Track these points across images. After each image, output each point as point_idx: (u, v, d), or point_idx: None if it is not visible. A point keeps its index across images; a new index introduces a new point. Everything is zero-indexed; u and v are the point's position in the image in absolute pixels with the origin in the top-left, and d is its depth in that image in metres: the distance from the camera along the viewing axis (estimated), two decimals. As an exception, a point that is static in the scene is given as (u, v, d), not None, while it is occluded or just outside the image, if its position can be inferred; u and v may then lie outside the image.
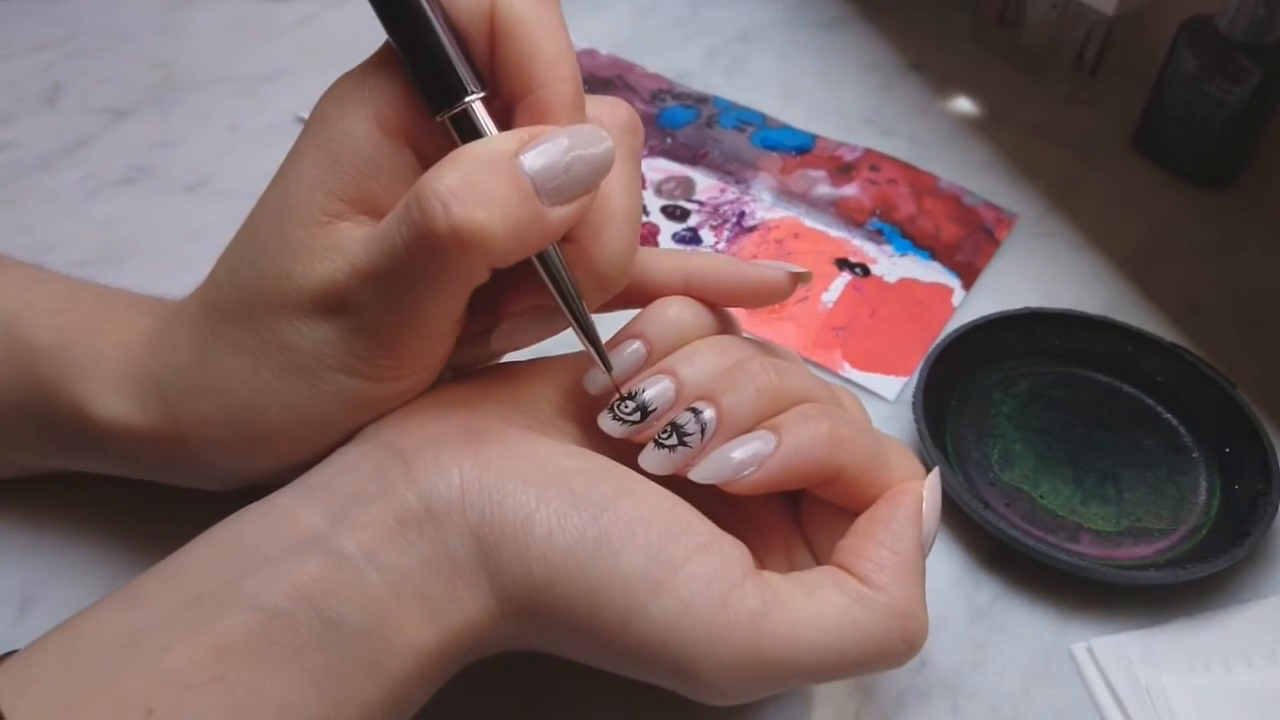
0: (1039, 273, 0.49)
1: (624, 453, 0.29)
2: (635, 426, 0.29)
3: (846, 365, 0.44)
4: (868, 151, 0.54)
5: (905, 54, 0.62)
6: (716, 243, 0.49)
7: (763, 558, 0.30)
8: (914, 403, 0.40)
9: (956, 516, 0.39)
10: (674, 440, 0.28)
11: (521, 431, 0.29)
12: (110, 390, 0.31)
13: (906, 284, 0.48)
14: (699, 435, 0.28)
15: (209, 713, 0.23)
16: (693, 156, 0.54)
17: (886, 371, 0.44)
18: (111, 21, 0.60)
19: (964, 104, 0.59)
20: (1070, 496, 0.40)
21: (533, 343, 0.31)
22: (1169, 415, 0.43)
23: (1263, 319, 0.48)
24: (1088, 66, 0.57)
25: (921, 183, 0.53)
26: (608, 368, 0.30)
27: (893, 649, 0.27)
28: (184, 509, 0.38)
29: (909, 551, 0.28)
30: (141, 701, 0.23)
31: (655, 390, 0.29)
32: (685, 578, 0.26)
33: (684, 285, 0.32)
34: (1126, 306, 0.47)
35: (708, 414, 0.28)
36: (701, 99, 0.58)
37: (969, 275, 0.48)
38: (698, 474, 0.28)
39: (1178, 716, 0.34)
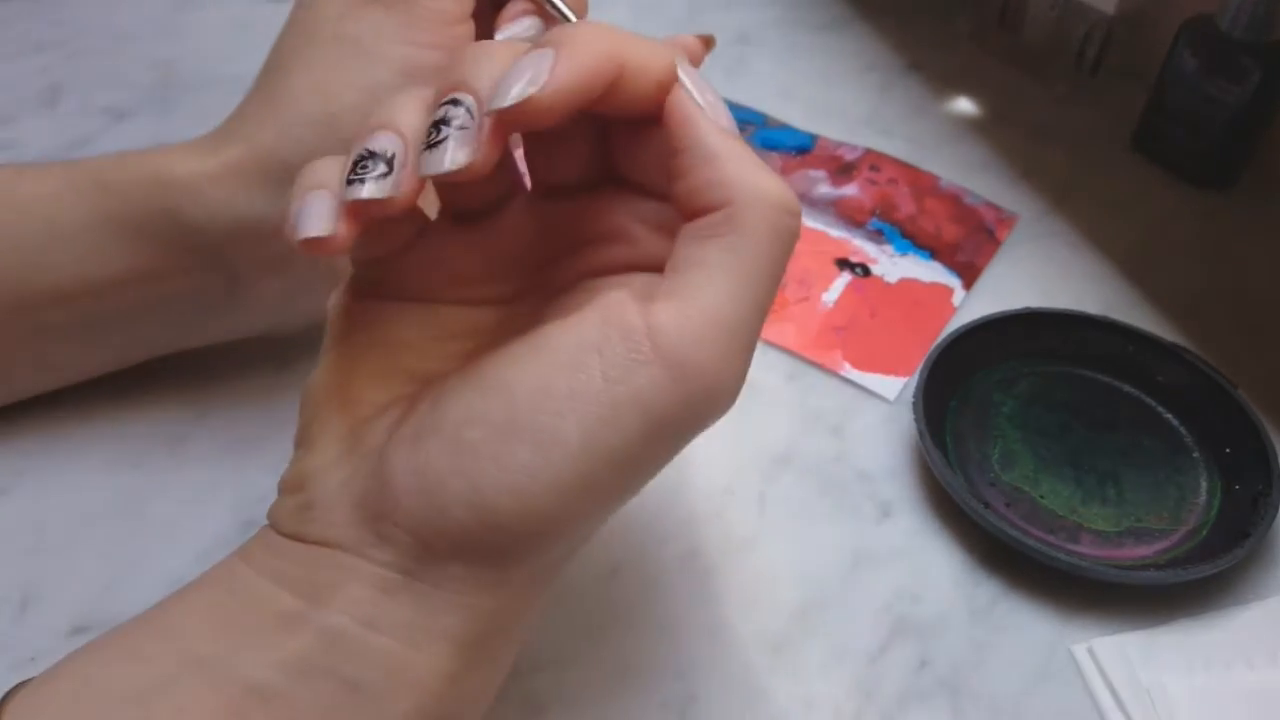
0: (1039, 273, 0.49)
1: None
2: (390, 179, 0.25)
3: (847, 365, 0.44)
4: (868, 151, 0.54)
5: (904, 54, 0.62)
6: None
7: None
8: (914, 403, 0.40)
9: (957, 517, 0.39)
10: (443, 133, 0.25)
11: (412, 424, 0.27)
12: (195, 153, 0.35)
13: (907, 284, 0.48)
14: (465, 114, 0.25)
15: None
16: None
17: (887, 371, 0.44)
18: (111, 22, 0.60)
19: (964, 104, 0.59)
20: (1070, 496, 0.40)
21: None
22: (1169, 415, 0.43)
23: (1263, 319, 0.48)
24: (1088, 66, 0.57)
25: (922, 182, 0.53)
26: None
27: (777, 213, 0.25)
28: (185, 511, 0.38)
29: (721, 145, 0.26)
30: None
31: (379, 142, 0.26)
32: (585, 379, 0.24)
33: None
34: (1126, 306, 0.47)
35: (463, 95, 0.25)
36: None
37: (969, 275, 0.48)
38: (497, 100, 0.24)
39: (1178, 717, 0.34)
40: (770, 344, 0.45)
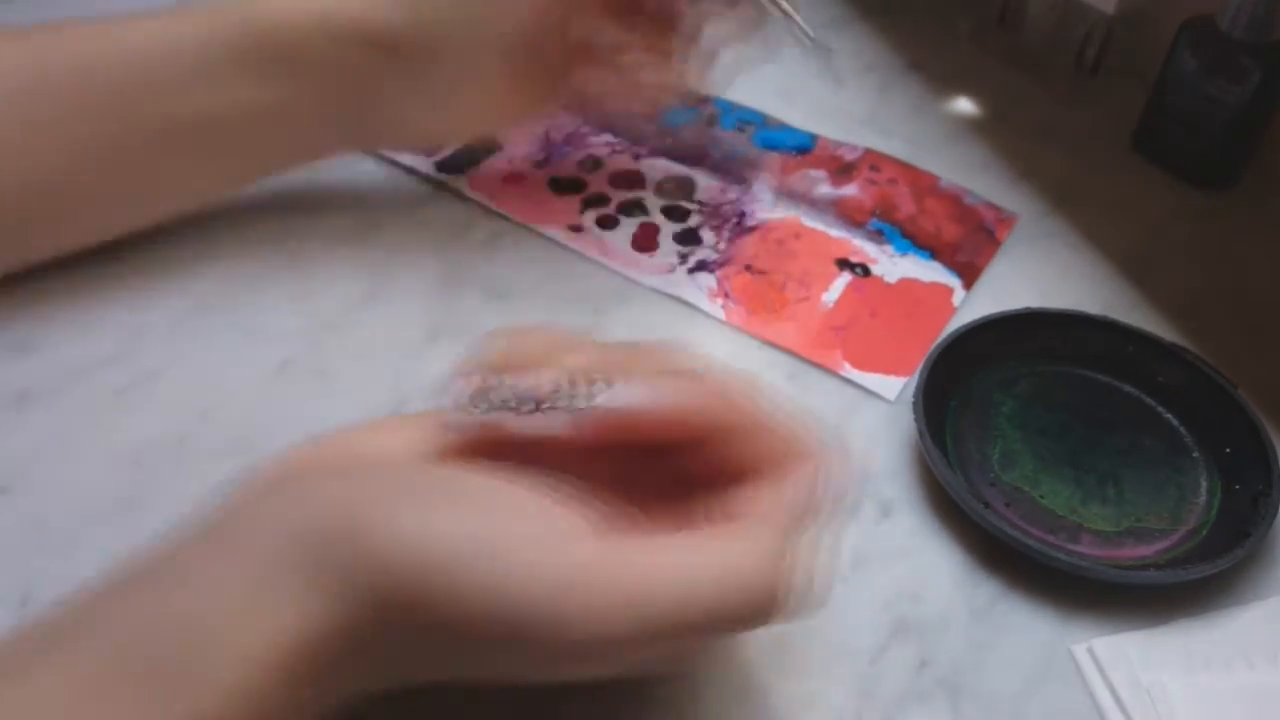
0: (1039, 273, 0.49)
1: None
2: (527, 414, 0.29)
3: (847, 365, 0.44)
4: (868, 151, 0.54)
5: (904, 54, 0.62)
6: (717, 242, 0.49)
7: None
8: (914, 403, 0.40)
9: (957, 517, 0.39)
10: (566, 403, 0.29)
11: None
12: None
13: (907, 284, 0.48)
14: (588, 398, 0.29)
15: None
16: (693, 157, 0.54)
17: (887, 371, 0.44)
18: (111, 21, 0.60)
19: (964, 104, 0.59)
20: (1070, 496, 0.40)
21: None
22: (1169, 415, 0.43)
23: (1263, 319, 0.48)
24: (1088, 66, 0.57)
25: (922, 183, 0.53)
26: (808, 36, 0.40)
27: (749, 585, 0.27)
28: (184, 511, 0.38)
29: (786, 505, 0.28)
30: None
31: (537, 379, 0.29)
32: (537, 543, 0.26)
33: None
34: (1126, 306, 0.47)
35: (600, 384, 0.29)
36: (702, 99, 0.58)
37: (970, 275, 0.48)
38: (598, 401, 0.28)
39: (1178, 717, 0.34)
40: (770, 344, 0.45)
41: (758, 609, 0.27)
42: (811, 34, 0.37)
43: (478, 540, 0.26)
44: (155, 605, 0.26)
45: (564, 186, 0.51)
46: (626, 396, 0.29)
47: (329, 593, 0.26)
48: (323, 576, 0.26)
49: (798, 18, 0.37)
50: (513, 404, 0.29)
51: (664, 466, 0.32)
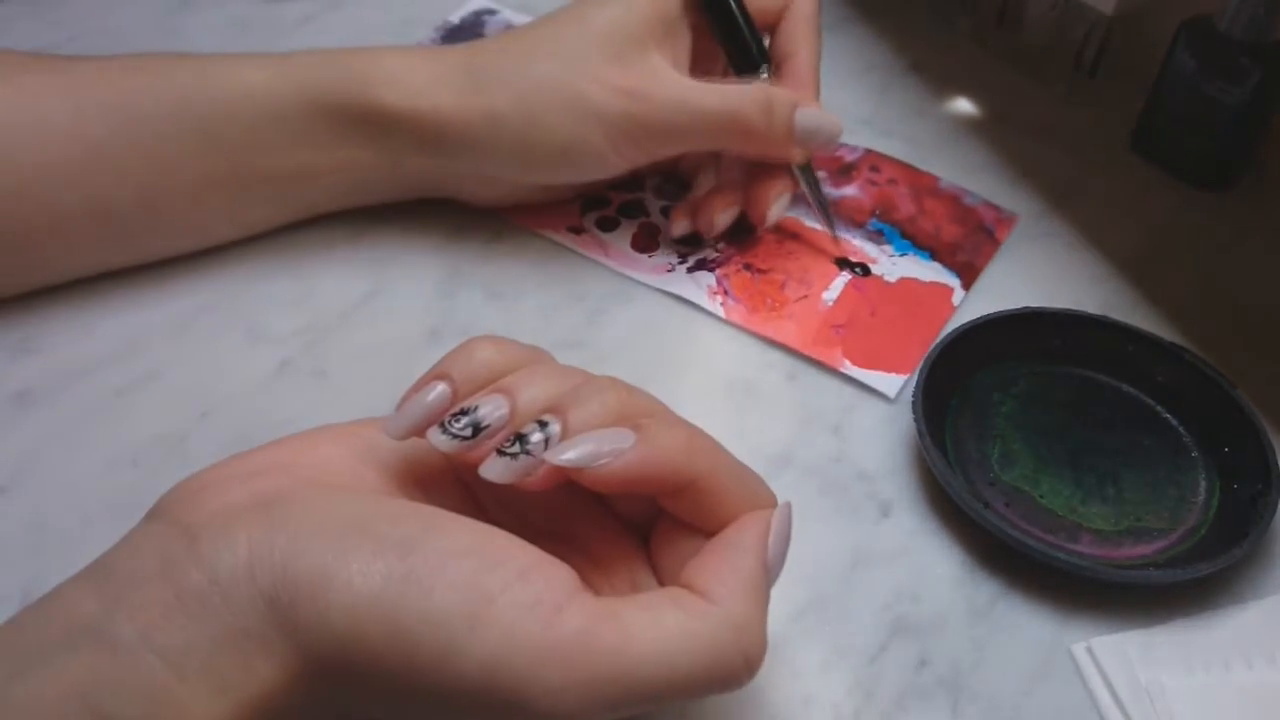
0: (1039, 273, 0.49)
1: (435, 500, 0.30)
2: (466, 443, 0.29)
3: (847, 363, 0.44)
4: (868, 152, 0.54)
5: (904, 55, 0.62)
6: (716, 242, 0.49)
7: (603, 589, 0.30)
8: (914, 402, 0.40)
9: (956, 516, 0.39)
10: (517, 449, 0.28)
11: (321, 489, 0.29)
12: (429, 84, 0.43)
13: (907, 284, 0.48)
14: (543, 445, 0.28)
15: None
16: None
17: (887, 369, 0.44)
18: (111, 22, 0.60)
19: (963, 105, 0.59)
20: (1070, 496, 0.40)
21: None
22: (1169, 415, 0.43)
23: (1263, 319, 0.48)
24: (1087, 66, 0.57)
25: (921, 183, 0.53)
26: (831, 228, 0.48)
27: (728, 662, 0.27)
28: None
29: (752, 570, 0.28)
30: None
31: (489, 407, 0.29)
32: (505, 606, 0.25)
33: None
34: (1126, 306, 0.47)
35: (554, 427, 0.28)
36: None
37: (969, 275, 0.48)
38: (553, 454, 0.28)
39: (1177, 717, 0.34)
40: (770, 341, 0.45)
41: (731, 680, 0.27)
42: (835, 229, 0.49)
43: (462, 611, 0.25)
44: (113, 671, 0.24)
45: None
46: (578, 451, 0.28)
47: (287, 654, 0.25)
48: (284, 640, 0.25)
49: (830, 213, 0.49)
50: (464, 432, 0.29)
51: (608, 505, 0.32)
